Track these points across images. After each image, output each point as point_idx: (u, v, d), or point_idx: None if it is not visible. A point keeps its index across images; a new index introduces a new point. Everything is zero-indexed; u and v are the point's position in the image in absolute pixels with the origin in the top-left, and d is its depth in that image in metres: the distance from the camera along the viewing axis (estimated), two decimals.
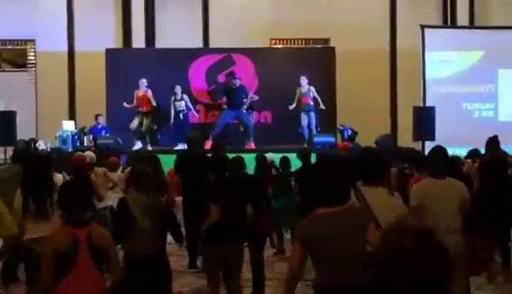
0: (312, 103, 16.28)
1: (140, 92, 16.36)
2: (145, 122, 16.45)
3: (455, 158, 9.14)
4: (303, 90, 16.26)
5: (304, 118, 16.23)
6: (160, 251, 5.67)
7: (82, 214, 4.45)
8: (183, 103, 16.34)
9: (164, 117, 16.54)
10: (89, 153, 10.18)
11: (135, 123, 16.41)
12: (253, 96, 16.49)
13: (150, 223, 5.51)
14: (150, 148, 16.17)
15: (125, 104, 16.29)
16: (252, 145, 15.96)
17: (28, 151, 9.97)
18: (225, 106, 16.32)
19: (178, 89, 16.35)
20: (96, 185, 8.81)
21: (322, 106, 16.35)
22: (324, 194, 4.32)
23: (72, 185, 4.70)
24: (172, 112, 16.25)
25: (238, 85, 16.17)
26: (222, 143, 10.48)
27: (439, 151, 6.13)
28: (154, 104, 16.34)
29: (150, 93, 16.34)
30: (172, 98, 16.27)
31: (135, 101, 16.31)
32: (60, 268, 4.34)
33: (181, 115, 16.27)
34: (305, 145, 15.55)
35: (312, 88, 16.33)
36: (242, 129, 16.37)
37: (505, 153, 9.69)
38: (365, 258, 4.02)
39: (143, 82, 16.35)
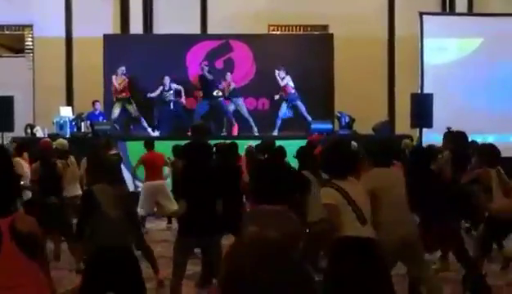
0: (293, 91, 16.59)
1: (120, 79, 16.54)
2: (129, 108, 16.56)
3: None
4: (281, 83, 16.59)
5: (283, 108, 16.46)
6: (127, 241, 5.55)
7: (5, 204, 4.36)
8: (171, 93, 16.61)
9: (151, 104, 16.72)
10: (61, 141, 10.09)
11: (115, 112, 16.51)
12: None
13: (117, 213, 5.41)
14: (156, 133, 16.37)
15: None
16: (235, 130, 16.24)
17: None
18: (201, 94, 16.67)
19: (167, 80, 16.67)
20: (62, 173, 8.92)
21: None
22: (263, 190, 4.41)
23: None
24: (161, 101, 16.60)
25: (205, 71, 16.56)
26: (202, 129, 10.40)
27: (384, 140, 6.26)
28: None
29: (126, 81, 16.65)
30: (161, 88, 16.55)
31: (115, 88, 16.56)
32: None
33: (171, 105, 16.53)
34: (276, 133, 16.16)
35: (289, 77, 16.59)
36: (219, 116, 16.68)
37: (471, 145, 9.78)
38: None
39: (122, 69, 16.55)
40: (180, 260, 6.54)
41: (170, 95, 16.61)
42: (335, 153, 5.29)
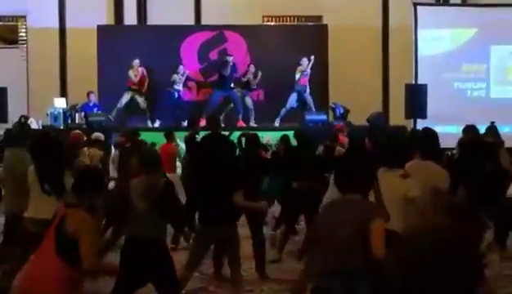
0: (307, 83, 16.53)
1: (137, 73, 16.40)
2: (139, 99, 16.47)
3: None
4: (302, 69, 16.46)
5: (293, 98, 16.41)
6: (155, 233, 5.57)
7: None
8: (182, 82, 16.57)
9: (156, 95, 16.64)
10: (96, 134, 10.40)
11: (123, 101, 16.40)
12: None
13: (145, 205, 5.52)
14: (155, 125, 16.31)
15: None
16: (241, 123, 16.13)
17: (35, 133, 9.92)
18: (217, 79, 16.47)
19: (181, 69, 16.55)
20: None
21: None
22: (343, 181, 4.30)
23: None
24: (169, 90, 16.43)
25: (231, 63, 16.30)
26: (218, 120, 10.45)
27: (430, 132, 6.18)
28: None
29: (145, 72, 16.47)
30: (176, 77, 16.40)
31: (131, 80, 16.39)
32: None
33: (176, 94, 16.41)
34: (276, 124, 16.15)
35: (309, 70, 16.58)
36: (231, 106, 16.58)
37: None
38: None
39: (136, 62, 16.36)
40: (196, 250, 6.64)
41: (180, 85, 16.54)
42: (386, 143, 5.37)
